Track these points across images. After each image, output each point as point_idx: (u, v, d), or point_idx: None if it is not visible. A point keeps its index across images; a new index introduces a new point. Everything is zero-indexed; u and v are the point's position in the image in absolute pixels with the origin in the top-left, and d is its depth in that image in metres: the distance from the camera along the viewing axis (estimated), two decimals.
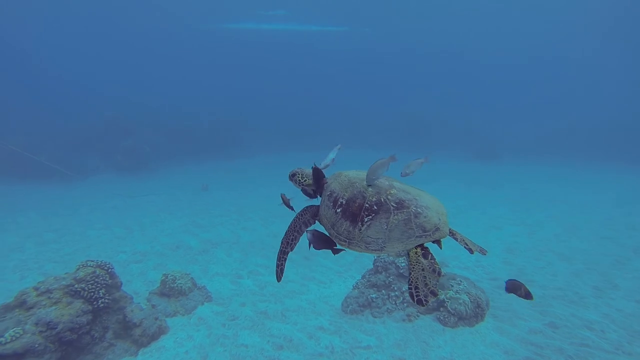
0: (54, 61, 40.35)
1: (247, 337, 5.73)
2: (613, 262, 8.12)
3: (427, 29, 36.48)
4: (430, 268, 2.12)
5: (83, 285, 5.34)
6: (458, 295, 5.90)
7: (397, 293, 6.52)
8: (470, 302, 5.81)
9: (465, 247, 2.25)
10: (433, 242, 2.22)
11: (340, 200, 2.35)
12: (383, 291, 6.63)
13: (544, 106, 35.88)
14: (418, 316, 6.12)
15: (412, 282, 2.13)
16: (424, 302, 2.08)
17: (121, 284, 6.03)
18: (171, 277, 6.65)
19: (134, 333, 5.53)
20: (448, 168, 21.97)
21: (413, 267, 2.16)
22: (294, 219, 2.60)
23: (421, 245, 2.20)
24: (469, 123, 29.69)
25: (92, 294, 5.34)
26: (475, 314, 5.79)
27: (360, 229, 2.22)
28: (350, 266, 8.59)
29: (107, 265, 5.88)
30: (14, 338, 4.53)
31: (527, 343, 5.34)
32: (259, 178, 18.26)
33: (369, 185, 2.33)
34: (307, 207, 2.63)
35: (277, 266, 2.60)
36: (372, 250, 2.22)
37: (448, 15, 33.37)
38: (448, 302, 5.90)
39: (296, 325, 6.10)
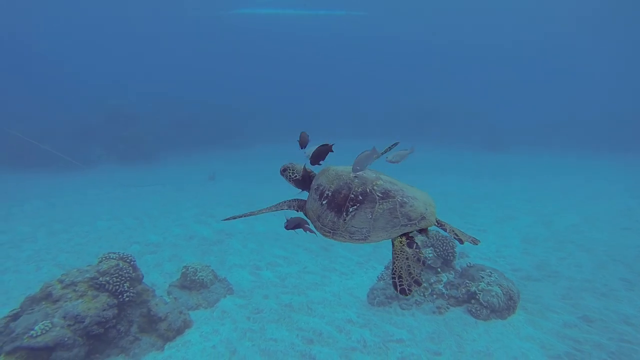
0: (55, 50, 39.45)
1: (275, 331, 5.59)
2: (638, 254, 8.01)
3: (434, 16, 35.88)
4: (414, 257, 2.10)
5: (107, 279, 5.17)
6: (490, 287, 5.77)
7: (425, 285, 6.38)
8: (503, 294, 5.69)
9: (455, 238, 2.23)
10: (420, 232, 2.20)
11: (327, 192, 2.34)
12: None
13: (552, 96, 35.61)
14: (448, 308, 6.00)
15: (395, 271, 2.08)
16: (407, 291, 2.03)
17: (142, 276, 5.86)
18: (192, 270, 6.47)
19: (160, 327, 5.37)
20: (456, 159, 21.89)
21: (397, 256, 2.12)
22: (277, 203, 2.62)
23: (406, 235, 2.17)
24: (476, 114, 29.45)
25: (117, 287, 5.16)
26: (507, 306, 5.67)
27: (345, 219, 2.21)
28: (369, 256, 8.46)
29: (129, 258, 5.69)
30: (44, 331, 4.41)
31: (563, 337, 5.22)
32: (266, 168, 17.90)
33: (355, 176, 2.30)
34: (294, 199, 2.64)
35: (240, 216, 2.61)
36: (356, 240, 2.19)
37: (456, 5, 32.86)
38: (480, 294, 5.77)
39: (324, 319, 5.96)
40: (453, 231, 2.28)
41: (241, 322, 5.85)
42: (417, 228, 2.16)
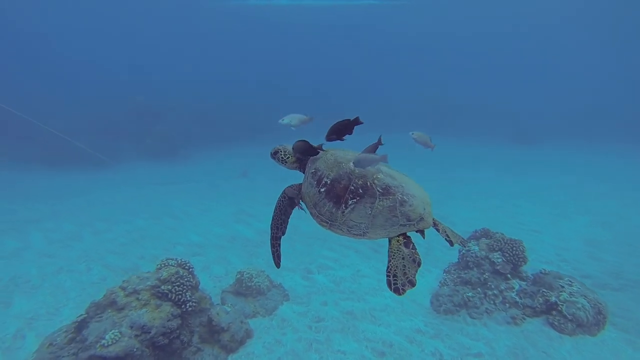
0: (80, 48, 39.95)
1: (342, 342, 5.28)
2: None
3: (456, 8, 34.67)
4: (410, 257, 2.09)
5: (169, 287, 4.95)
6: (575, 299, 5.31)
7: (495, 292, 5.97)
8: (591, 307, 5.21)
9: (446, 239, 2.21)
10: (416, 231, 2.17)
11: (325, 179, 2.26)
12: (479, 289, 6.09)
13: (583, 86, 34.06)
14: (524, 319, 5.57)
15: (390, 269, 2.07)
16: (400, 290, 2.02)
17: (199, 283, 5.63)
18: (247, 275, 6.21)
19: (222, 338, 5.13)
20: (485, 153, 21.11)
21: (393, 255, 2.10)
22: (277, 202, 2.53)
23: (404, 234, 2.14)
24: (503, 106, 28.41)
25: (179, 296, 4.94)
26: (596, 321, 5.19)
27: (344, 212, 2.16)
28: (423, 259, 7.90)
29: (188, 265, 5.47)
30: (114, 341, 4.28)
31: None
32: None
33: (355, 167, 2.23)
34: (289, 186, 2.54)
35: (273, 253, 2.53)
36: (354, 234, 2.15)
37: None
38: (562, 305, 5.31)
39: (390, 328, 5.63)
40: (445, 231, 2.24)
41: (303, 331, 5.57)
42: (416, 229, 2.13)
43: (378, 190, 2.15)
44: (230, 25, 41.03)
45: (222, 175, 15.77)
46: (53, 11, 32.84)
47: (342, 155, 2.36)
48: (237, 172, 15.67)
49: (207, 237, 9.25)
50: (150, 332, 4.53)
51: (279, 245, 2.54)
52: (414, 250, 2.11)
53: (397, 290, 2.04)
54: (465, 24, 39.21)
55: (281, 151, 2.61)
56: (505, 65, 43.53)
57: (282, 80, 33.91)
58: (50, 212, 10.95)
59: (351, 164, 2.25)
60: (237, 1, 34.78)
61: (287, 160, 2.61)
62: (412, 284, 2.05)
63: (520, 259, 5.99)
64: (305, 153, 2.47)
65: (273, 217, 2.53)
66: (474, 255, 6.48)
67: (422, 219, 2.13)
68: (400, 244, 2.13)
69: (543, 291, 5.59)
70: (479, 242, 6.81)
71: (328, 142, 2.41)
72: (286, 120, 4.21)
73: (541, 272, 5.88)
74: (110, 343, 4.25)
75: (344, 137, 2.34)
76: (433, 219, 2.22)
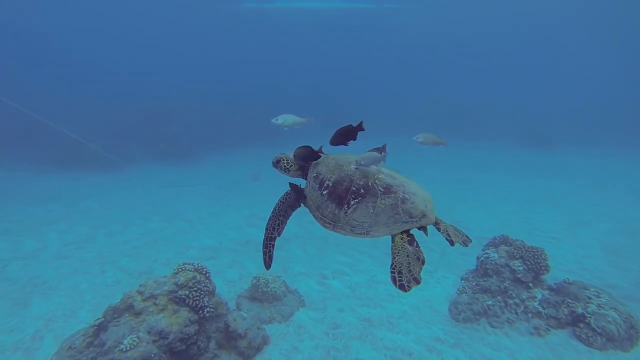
0: (89, 50, 40.52)
1: (360, 350, 5.18)
2: None
3: (459, 8, 34.45)
4: (414, 255, 2.09)
5: (187, 292, 4.90)
6: (604, 311, 5.13)
7: (516, 301, 5.82)
8: (623, 321, 5.02)
9: (446, 239, 2.20)
10: (419, 228, 2.19)
11: (327, 182, 2.31)
12: (499, 298, 5.95)
13: (599, 89, 33.48)
14: (549, 330, 5.41)
15: (395, 266, 2.08)
16: (406, 287, 2.03)
17: (215, 288, 5.57)
18: (263, 281, 6.15)
19: (240, 345, 5.06)
20: (498, 156, 20.87)
21: (398, 253, 2.12)
22: (278, 202, 2.54)
23: (407, 232, 2.16)
24: (515, 108, 28.07)
25: (197, 302, 4.89)
26: (629, 336, 4.99)
27: (346, 212, 2.19)
28: (437, 264, 7.94)
29: (204, 269, 5.41)
30: (132, 346, 4.25)
31: None
32: None
33: (357, 168, 2.27)
34: (290, 189, 2.55)
35: (264, 253, 2.52)
36: (358, 233, 2.17)
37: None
38: (590, 317, 5.14)
39: (409, 336, 5.51)
40: (446, 230, 2.24)
41: (320, 338, 5.48)
42: (418, 225, 2.15)
43: (380, 190, 2.19)
44: (239, 28, 41.25)
45: (233, 178, 15.79)
46: (63, 13, 33.36)
47: (343, 158, 2.41)
48: (248, 175, 15.67)
49: (220, 240, 9.22)
50: (168, 338, 4.49)
51: (273, 246, 2.54)
52: (417, 248, 2.11)
53: (402, 287, 2.04)
54: (468, 24, 38.95)
55: (283, 160, 2.62)
56: (512, 65, 43.13)
57: (289, 83, 34.01)
58: (65, 213, 11.04)
59: (352, 166, 2.30)
60: (245, 4, 35.00)
61: (289, 168, 2.62)
62: (417, 281, 2.05)
63: (542, 268, 5.83)
64: (306, 159, 2.48)
65: (271, 217, 2.54)
66: (493, 262, 6.33)
67: (424, 215, 2.15)
68: (404, 242, 2.14)
69: (568, 302, 5.42)
70: (498, 249, 6.66)
71: (331, 146, 2.42)
72: (280, 120, 4.21)
73: (565, 282, 5.71)
74: (128, 348, 4.22)
75: (348, 143, 2.35)
76: (435, 217, 2.23)
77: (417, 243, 2.14)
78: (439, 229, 2.25)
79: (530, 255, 5.99)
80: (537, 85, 37.18)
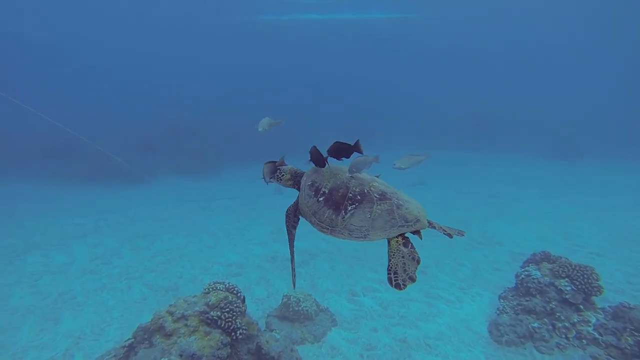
0: (111, 64, 41.97)
1: None
2: None
3: (488, 16, 33.99)
4: (409, 256, 2.21)
5: (218, 314, 4.74)
6: None
7: (566, 324, 5.41)
8: None
9: (444, 234, 2.30)
10: (413, 233, 2.28)
11: (323, 189, 2.42)
12: (545, 320, 5.55)
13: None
14: None
15: (391, 267, 2.20)
16: (401, 286, 2.15)
17: (246, 308, 5.40)
18: (294, 300, 5.95)
19: None
20: (524, 168, 20.24)
21: (393, 254, 2.23)
22: (286, 228, 2.72)
23: (402, 235, 2.27)
24: (541, 117, 27.25)
25: (229, 324, 4.71)
26: None
27: (344, 217, 2.29)
28: (471, 281, 7.59)
29: (236, 289, 5.24)
30: None
31: None
32: None
33: (352, 177, 2.40)
34: (288, 209, 2.72)
35: (293, 275, 2.81)
36: (355, 237, 2.28)
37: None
38: None
39: (448, 359, 5.19)
40: (442, 228, 2.33)
41: None
42: (413, 229, 2.25)
43: (375, 196, 2.30)
44: (257, 41, 41.89)
45: (256, 192, 15.75)
46: (90, 30, 34.70)
47: (337, 168, 2.54)
48: (271, 188, 15.59)
49: (246, 256, 9.10)
50: None
51: (294, 267, 2.84)
52: (412, 249, 2.23)
53: (398, 286, 2.15)
54: (489, 36, 38.43)
55: (279, 170, 2.76)
56: (538, 74, 42.05)
57: (312, 95, 34.12)
58: (92, 227, 11.18)
59: (347, 174, 2.43)
60: (269, 16, 35.53)
61: (282, 177, 2.75)
62: (413, 279, 2.17)
63: (594, 289, 5.41)
64: (319, 163, 2.53)
65: (289, 244, 2.75)
66: (535, 281, 5.96)
67: (418, 220, 2.24)
68: (400, 244, 2.24)
69: (632, 330, 4.95)
70: (540, 266, 6.28)
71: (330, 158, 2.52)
72: (260, 127, 4.34)
73: (623, 306, 5.24)
74: None
75: (341, 159, 2.43)
76: (428, 221, 2.33)
77: (412, 245, 2.25)
78: (434, 228, 2.35)
79: (578, 274, 5.59)
80: (567, 93, 36.05)
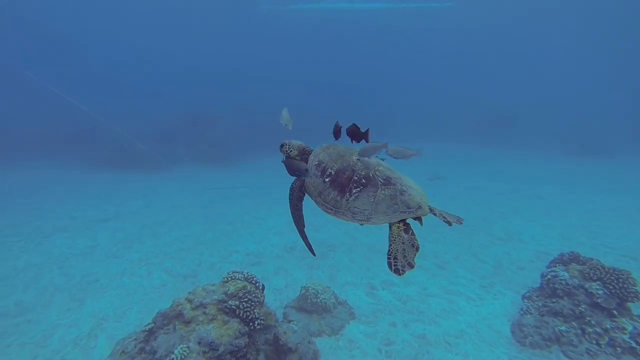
0: (140, 56, 42.67)
1: None
2: None
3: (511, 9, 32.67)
4: (409, 242, 2.22)
5: (237, 303, 4.73)
6: None
7: (597, 330, 5.15)
8: None
9: (444, 221, 2.29)
10: (414, 218, 2.29)
11: (329, 170, 2.45)
12: (573, 323, 5.31)
13: None
14: None
15: (391, 252, 2.22)
16: (400, 271, 2.17)
17: (264, 298, 5.37)
18: (312, 291, 5.89)
19: (290, 359, 4.83)
20: (548, 166, 19.56)
21: (394, 240, 2.25)
22: (289, 200, 2.73)
23: (403, 221, 2.28)
24: (565, 114, 26.21)
25: (247, 313, 4.70)
26: None
27: (348, 199, 2.32)
28: (492, 278, 7.37)
29: (255, 279, 5.23)
30: (183, 356, 4.11)
31: None
32: None
33: (358, 160, 2.43)
34: (292, 185, 2.73)
35: (306, 244, 2.80)
36: (358, 220, 2.30)
37: None
38: None
39: (469, 359, 5.04)
40: (442, 215, 2.33)
41: (373, 355, 5.14)
42: (414, 216, 2.26)
43: (380, 181, 2.33)
44: (280, 31, 41.58)
45: (274, 181, 15.76)
46: (118, 27, 35.25)
47: (345, 149, 2.57)
48: (290, 178, 15.54)
49: (264, 245, 9.10)
50: (218, 350, 4.32)
51: (306, 236, 2.77)
52: (412, 236, 2.24)
53: (397, 271, 2.18)
54: (515, 34, 36.96)
55: (286, 145, 2.79)
56: (562, 70, 40.39)
57: (330, 87, 33.78)
58: (115, 212, 11.44)
59: (354, 157, 2.45)
60: (290, 4, 35.05)
61: (290, 154, 2.77)
62: (411, 265, 2.19)
63: (630, 294, 5.12)
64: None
65: (292, 216, 2.75)
66: (563, 282, 5.70)
67: (420, 206, 2.25)
68: (401, 230, 2.26)
69: None
70: (568, 267, 6.01)
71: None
72: (283, 121, 4.32)
73: None
74: (179, 358, 4.09)
75: (353, 141, 2.49)
76: (429, 207, 2.33)
77: (412, 231, 2.26)
78: (435, 214, 2.34)
79: (612, 277, 5.31)
80: (598, 87, 34.54)
